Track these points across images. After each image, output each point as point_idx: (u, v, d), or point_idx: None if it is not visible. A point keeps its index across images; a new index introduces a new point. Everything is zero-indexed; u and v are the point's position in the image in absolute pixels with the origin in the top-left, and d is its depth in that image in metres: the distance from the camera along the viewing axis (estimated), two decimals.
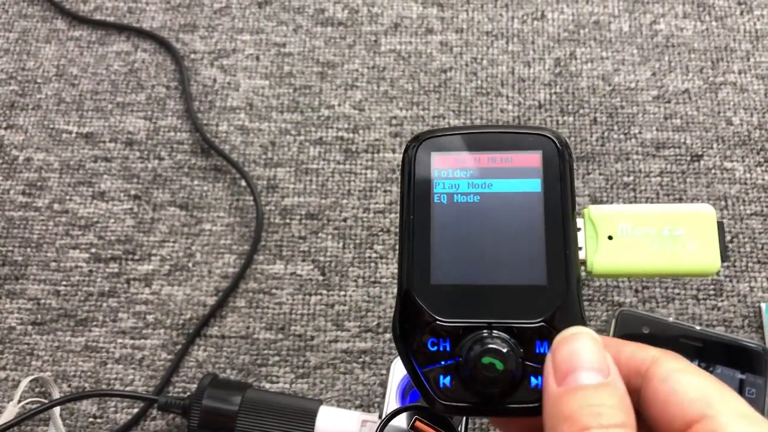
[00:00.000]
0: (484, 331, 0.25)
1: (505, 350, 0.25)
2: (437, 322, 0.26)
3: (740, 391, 0.49)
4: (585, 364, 0.23)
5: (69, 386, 0.56)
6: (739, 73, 0.65)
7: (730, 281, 0.57)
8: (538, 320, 0.25)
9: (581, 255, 0.27)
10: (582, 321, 0.25)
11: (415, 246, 0.27)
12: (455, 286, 0.26)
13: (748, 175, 0.61)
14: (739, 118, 0.63)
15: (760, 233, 0.58)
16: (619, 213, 0.27)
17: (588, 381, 0.22)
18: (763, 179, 0.60)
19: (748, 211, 0.59)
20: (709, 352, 0.50)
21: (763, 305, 0.55)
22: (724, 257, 0.26)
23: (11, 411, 0.51)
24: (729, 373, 0.50)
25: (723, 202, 0.60)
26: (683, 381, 0.23)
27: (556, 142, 0.28)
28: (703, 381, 0.23)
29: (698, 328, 0.51)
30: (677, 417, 0.22)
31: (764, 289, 0.56)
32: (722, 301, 0.56)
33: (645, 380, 0.24)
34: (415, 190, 0.28)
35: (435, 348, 0.26)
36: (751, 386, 0.49)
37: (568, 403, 0.22)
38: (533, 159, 0.28)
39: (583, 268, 0.27)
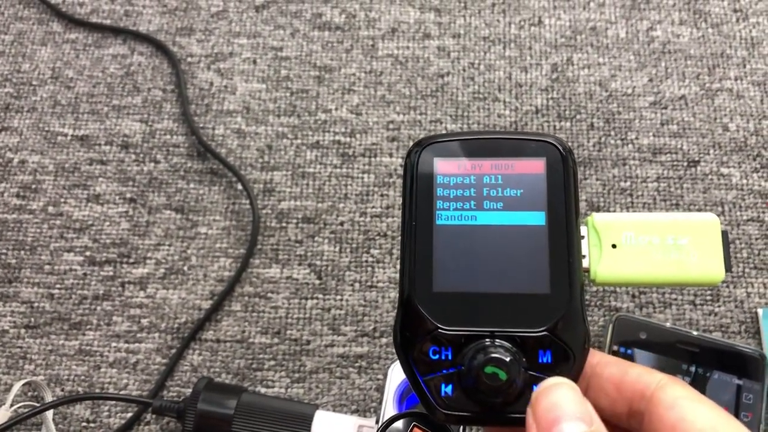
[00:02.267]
0: (487, 339, 0.25)
1: (508, 359, 0.24)
2: (439, 330, 0.26)
3: (737, 397, 0.49)
4: (567, 414, 0.23)
5: (62, 390, 0.55)
6: (736, 79, 0.65)
7: (727, 287, 0.57)
8: (541, 329, 0.25)
9: (584, 263, 0.27)
10: (585, 330, 0.25)
11: (417, 253, 0.27)
12: (457, 293, 0.26)
13: (744, 181, 0.61)
14: (736, 124, 0.63)
15: (756, 239, 0.58)
16: (623, 221, 0.27)
17: (573, 431, 0.22)
18: (760, 185, 0.60)
19: (745, 217, 0.59)
20: (706, 358, 0.50)
21: (760, 311, 0.55)
22: (729, 267, 0.26)
23: (3, 415, 0.51)
24: (726, 378, 0.50)
25: (720, 208, 0.60)
26: (691, 409, 0.23)
27: (560, 148, 0.27)
28: (710, 410, 0.23)
29: (695, 333, 0.51)
30: None
31: (761, 294, 0.56)
32: (719, 306, 0.56)
33: (650, 405, 0.24)
34: (417, 196, 0.27)
35: (437, 356, 0.25)
36: (748, 392, 0.49)
37: None
38: (537, 165, 0.27)
39: (585, 276, 0.27)
